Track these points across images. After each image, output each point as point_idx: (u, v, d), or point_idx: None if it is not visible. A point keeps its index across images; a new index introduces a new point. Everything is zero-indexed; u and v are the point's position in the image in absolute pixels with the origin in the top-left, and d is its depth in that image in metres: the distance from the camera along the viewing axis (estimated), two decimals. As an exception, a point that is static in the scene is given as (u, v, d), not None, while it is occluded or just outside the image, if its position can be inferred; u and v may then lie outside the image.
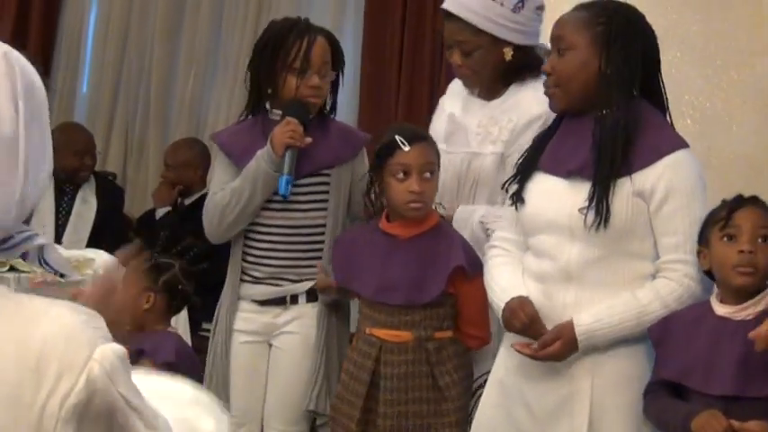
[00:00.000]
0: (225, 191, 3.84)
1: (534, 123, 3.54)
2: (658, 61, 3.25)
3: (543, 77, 3.54)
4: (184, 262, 4.42)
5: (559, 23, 3.26)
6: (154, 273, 4.27)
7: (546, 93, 3.26)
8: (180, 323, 4.71)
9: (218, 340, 3.93)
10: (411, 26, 5.68)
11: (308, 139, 3.73)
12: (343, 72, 3.93)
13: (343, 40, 6.28)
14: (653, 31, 3.23)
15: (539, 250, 3.25)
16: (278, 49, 3.79)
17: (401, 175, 3.45)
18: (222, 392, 3.85)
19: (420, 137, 3.51)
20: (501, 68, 3.64)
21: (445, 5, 3.63)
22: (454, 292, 3.49)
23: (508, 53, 3.62)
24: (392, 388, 3.46)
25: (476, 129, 3.59)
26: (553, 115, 3.41)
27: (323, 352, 3.83)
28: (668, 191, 3.10)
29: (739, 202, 3.09)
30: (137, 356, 4.14)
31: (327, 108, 3.95)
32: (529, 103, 3.58)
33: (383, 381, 3.47)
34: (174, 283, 4.27)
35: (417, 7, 5.63)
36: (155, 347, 4.12)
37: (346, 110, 6.21)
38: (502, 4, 3.61)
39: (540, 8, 3.69)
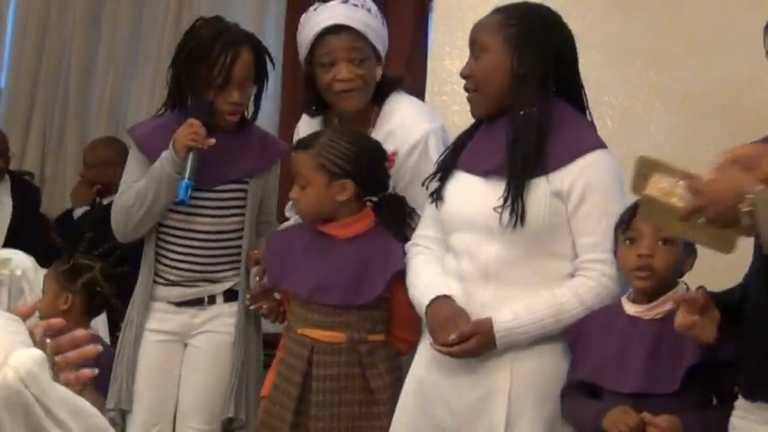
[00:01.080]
0: (131, 191, 3.80)
1: (416, 149, 3.61)
2: (575, 60, 3.26)
3: (401, 92, 3.69)
4: (106, 264, 4.38)
5: (475, 27, 3.28)
6: (73, 274, 4.24)
7: (467, 98, 3.28)
8: (99, 325, 4.67)
9: (127, 341, 3.88)
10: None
11: (211, 141, 3.69)
12: (267, 82, 3.89)
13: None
14: (569, 30, 3.25)
15: (458, 249, 3.26)
16: (201, 60, 3.74)
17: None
18: (127, 394, 3.82)
19: (302, 145, 3.51)
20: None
21: (334, 21, 3.63)
22: (389, 296, 3.47)
23: (380, 71, 3.69)
24: (324, 389, 3.44)
25: None
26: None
27: (240, 356, 3.81)
28: (585, 191, 3.12)
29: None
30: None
31: (250, 115, 3.91)
32: (405, 130, 3.64)
33: (315, 382, 3.45)
34: (92, 285, 4.24)
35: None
36: (72, 350, 4.08)
37: (267, 110, 6.21)
38: (376, 16, 3.70)
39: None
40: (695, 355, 2.93)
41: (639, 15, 4.60)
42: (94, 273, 4.29)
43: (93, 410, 1.48)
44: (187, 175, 3.68)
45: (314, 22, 3.66)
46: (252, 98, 3.87)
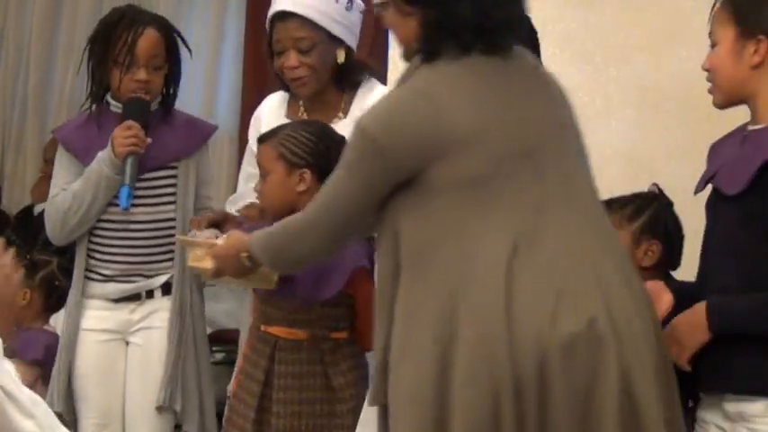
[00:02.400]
0: (66, 193, 3.76)
1: None
2: (539, 44, 3.26)
3: (372, 80, 3.70)
4: (64, 259, 4.37)
5: None
6: (30, 269, 4.22)
7: None
8: (59, 322, 4.65)
9: (64, 341, 3.85)
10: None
11: (148, 140, 3.69)
12: (178, 61, 3.84)
13: (227, 27, 6.28)
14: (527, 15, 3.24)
15: None
16: (106, 42, 3.73)
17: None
18: (63, 393, 3.78)
19: (263, 138, 3.51)
20: (334, 71, 3.67)
21: (281, 6, 3.62)
22: (352, 293, 3.47)
23: (341, 54, 3.67)
24: (286, 387, 3.43)
25: None
26: None
27: (174, 347, 3.78)
28: None
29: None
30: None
31: (170, 97, 3.87)
32: None
33: (277, 379, 3.44)
34: (50, 280, 4.24)
35: None
36: (24, 345, 4.09)
37: (230, 99, 6.21)
38: (337, 1, 3.65)
39: (362, 12, 3.73)
40: None
41: (598, 11, 4.61)
42: (52, 267, 4.29)
43: (41, 399, 1.48)
44: (128, 180, 3.65)
45: (274, 4, 3.65)
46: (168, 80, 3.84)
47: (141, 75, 3.72)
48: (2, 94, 6.73)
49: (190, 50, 3.93)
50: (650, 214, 3.21)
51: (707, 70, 2.91)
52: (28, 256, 4.32)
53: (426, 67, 2.66)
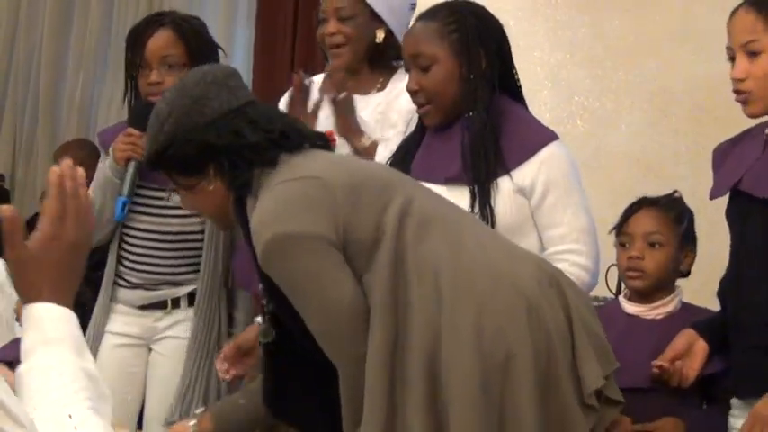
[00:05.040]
0: None
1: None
2: (510, 50, 3.25)
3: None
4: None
5: (412, 40, 3.19)
6: None
7: (418, 111, 3.22)
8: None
9: (88, 344, 3.80)
10: (304, 15, 5.68)
11: None
12: (206, 61, 3.61)
13: (236, 30, 6.30)
14: (498, 21, 3.22)
15: None
16: (129, 48, 3.71)
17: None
18: None
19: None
20: (370, 50, 3.60)
21: None
22: None
23: (380, 34, 3.58)
24: None
25: (376, 117, 3.56)
26: None
27: (192, 360, 3.70)
28: (547, 185, 3.10)
29: (634, 208, 3.26)
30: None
31: None
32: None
33: None
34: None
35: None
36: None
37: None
38: None
39: (413, 5, 3.69)
40: (714, 365, 2.99)
41: (608, 15, 4.63)
42: None
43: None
44: (125, 191, 3.59)
45: None
46: None
47: (153, 77, 3.64)
48: (13, 100, 6.73)
49: (222, 50, 3.87)
50: (689, 221, 3.26)
51: (741, 80, 2.80)
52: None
53: (252, 198, 2.72)
